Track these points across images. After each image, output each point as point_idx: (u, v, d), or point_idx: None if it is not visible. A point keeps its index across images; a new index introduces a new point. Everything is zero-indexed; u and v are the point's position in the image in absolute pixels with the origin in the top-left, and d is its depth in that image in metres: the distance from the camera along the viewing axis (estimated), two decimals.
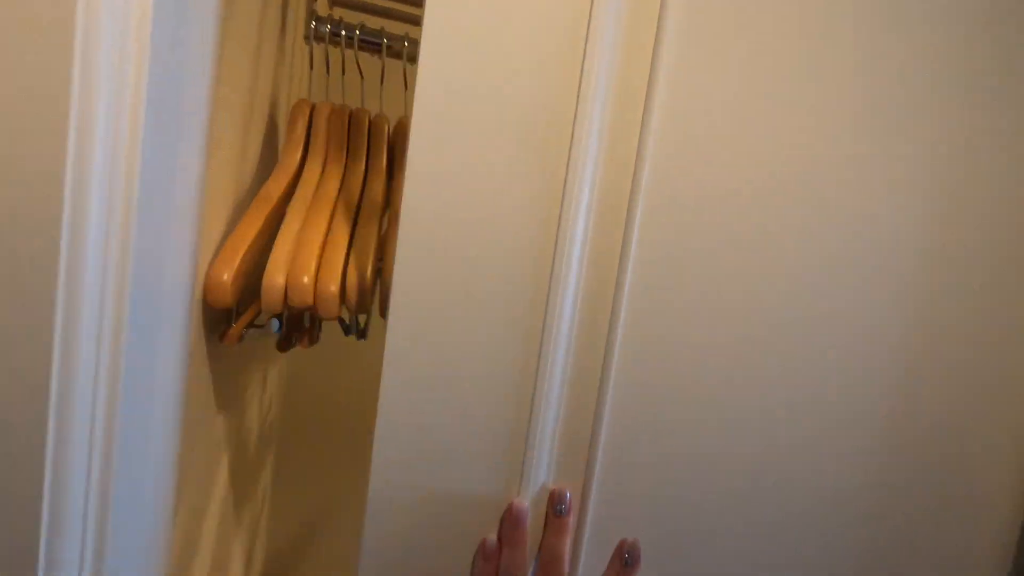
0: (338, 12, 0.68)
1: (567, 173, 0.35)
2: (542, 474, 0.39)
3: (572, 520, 0.38)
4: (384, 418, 0.38)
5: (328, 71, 0.65)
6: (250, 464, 0.78)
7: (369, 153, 0.61)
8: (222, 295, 0.42)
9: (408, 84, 0.68)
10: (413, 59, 0.66)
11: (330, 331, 0.89)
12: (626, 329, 0.37)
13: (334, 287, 0.45)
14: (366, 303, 0.45)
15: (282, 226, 0.48)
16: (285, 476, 1.05)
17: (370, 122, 0.62)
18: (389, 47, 0.64)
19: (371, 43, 0.64)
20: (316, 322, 0.57)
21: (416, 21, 0.73)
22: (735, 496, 0.41)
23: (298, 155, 0.58)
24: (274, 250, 0.45)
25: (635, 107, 0.36)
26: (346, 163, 0.59)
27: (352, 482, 1.08)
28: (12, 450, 0.30)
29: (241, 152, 0.52)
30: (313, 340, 0.54)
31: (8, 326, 0.29)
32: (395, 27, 0.69)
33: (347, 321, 0.54)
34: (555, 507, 0.38)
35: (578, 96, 0.34)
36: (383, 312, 0.46)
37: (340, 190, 0.56)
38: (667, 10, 0.35)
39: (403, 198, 0.35)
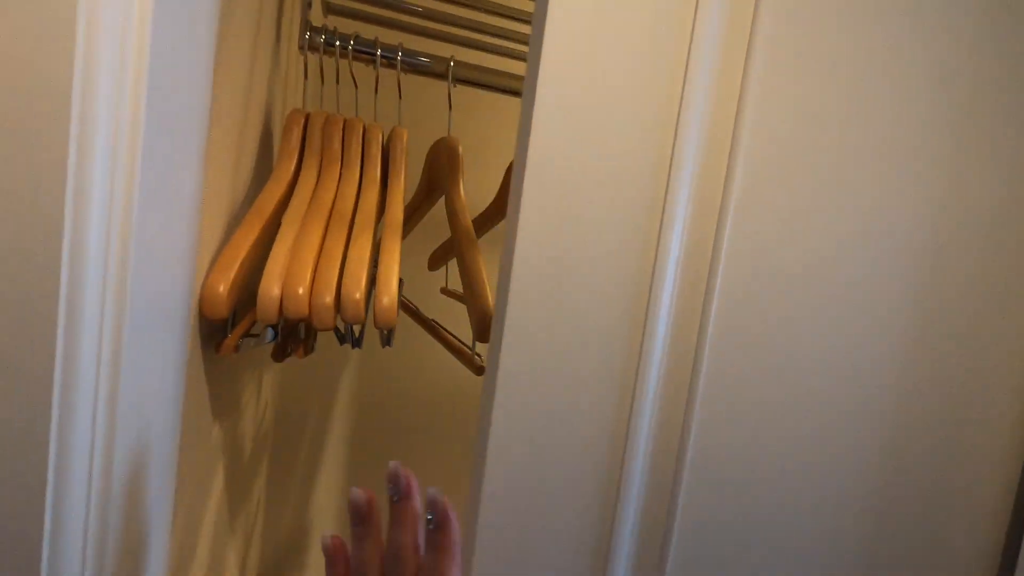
0: (333, 21, 0.69)
1: (659, 235, 0.39)
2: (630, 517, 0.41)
3: (416, 507, 0.31)
4: (495, 441, 0.39)
5: (323, 80, 0.65)
6: (245, 470, 0.78)
7: (363, 163, 0.62)
8: (218, 307, 0.42)
9: (402, 93, 0.68)
10: (407, 69, 0.67)
11: (323, 338, 0.90)
12: (707, 380, 0.40)
13: (329, 298, 0.45)
14: (361, 313, 0.45)
15: (277, 237, 0.48)
16: (279, 481, 1.05)
17: (364, 131, 0.62)
18: (383, 57, 0.65)
19: (365, 53, 0.65)
20: (311, 332, 0.58)
21: (412, 30, 0.74)
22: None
23: (293, 164, 0.58)
24: (269, 261, 0.46)
25: (719, 180, 0.39)
26: (341, 172, 0.60)
27: (344, 487, 1.08)
28: (15, 460, 0.31)
29: (236, 161, 0.53)
30: (308, 350, 0.55)
31: (10, 335, 0.30)
32: (389, 36, 0.69)
33: (342, 330, 0.54)
34: (389, 491, 0.32)
35: (671, 164, 0.38)
36: (377, 321, 0.47)
37: (335, 200, 0.56)
38: (745, 106, 0.38)
39: (516, 244, 0.37)
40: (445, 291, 0.96)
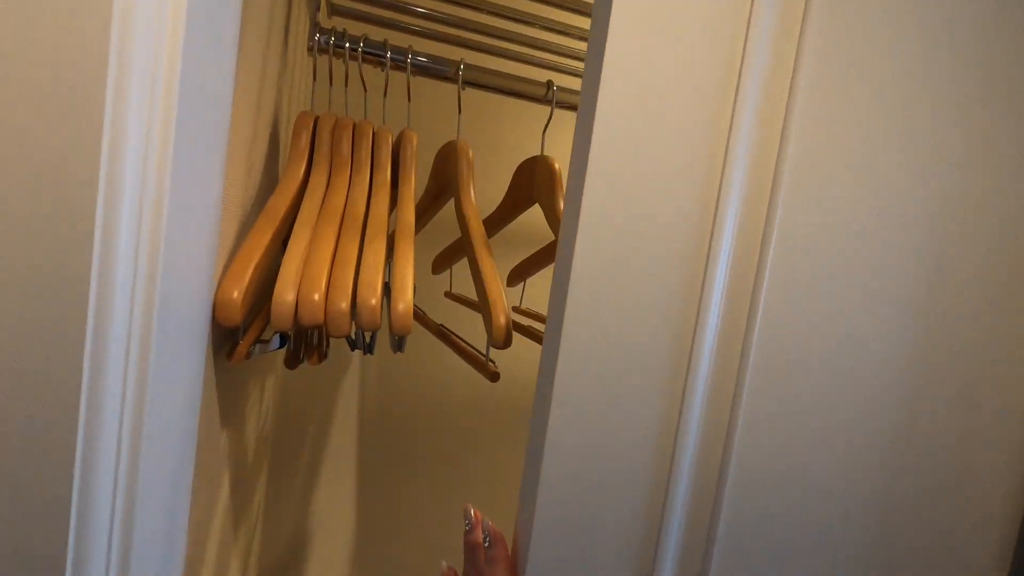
0: (341, 24, 0.68)
1: (704, 276, 0.40)
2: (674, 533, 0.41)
3: (479, 535, 0.43)
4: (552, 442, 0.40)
5: (331, 83, 0.64)
6: (248, 476, 0.77)
7: (374, 166, 0.61)
8: (232, 313, 0.41)
9: (411, 96, 0.68)
10: (416, 71, 0.66)
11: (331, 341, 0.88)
12: (746, 408, 0.41)
13: (344, 304, 0.44)
14: (377, 320, 0.44)
15: (290, 242, 0.48)
16: (279, 486, 1.04)
17: (374, 135, 0.62)
18: (392, 60, 0.64)
19: (375, 55, 0.64)
20: (324, 338, 0.57)
21: (417, 32, 0.73)
22: None
23: (302, 168, 0.58)
24: (283, 267, 0.45)
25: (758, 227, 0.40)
26: (351, 177, 0.59)
27: (344, 490, 1.07)
28: (41, 469, 0.30)
29: (248, 165, 0.52)
30: (322, 357, 0.54)
31: (41, 344, 0.29)
32: (398, 39, 0.69)
33: (354, 336, 0.53)
34: (465, 524, 0.44)
35: (714, 219, 0.39)
36: (393, 327, 0.46)
37: (346, 204, 0.55)
38: (790, 124, 0.39)
39: (575, 253, 0.38)
40: (450, 295, 0.95)
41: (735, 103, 0.39)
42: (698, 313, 0.40)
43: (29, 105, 0.27)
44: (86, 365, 0.29)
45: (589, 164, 0.37)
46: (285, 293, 0.43)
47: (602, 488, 0.40)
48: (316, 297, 0.43)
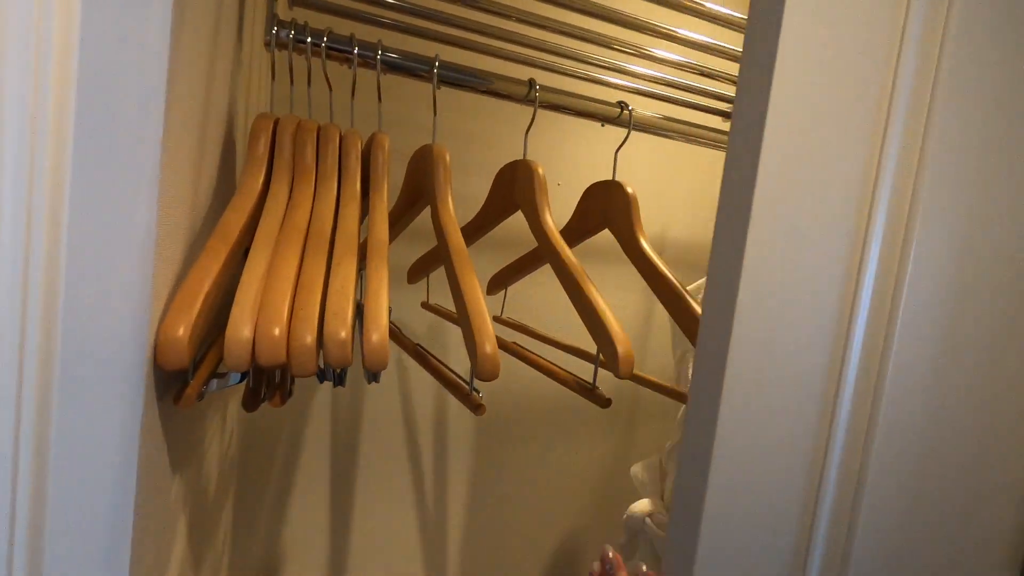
0: (300, 15, 0.62)
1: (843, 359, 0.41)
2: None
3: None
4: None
5: (292, 81, 0.58)
6: (211, 510, 0.71)
7: (341, 175, 0.55)
8: (177, 354, 0.36)
9: (382, 96, 0.62)
10: (387, 69, 0.61)
11: None
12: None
13: (310, 339, 0.39)
14: (348, 355, 0.39)
15: (246, 266, 0.42)
16: (246, 512, 0.98)
17: (341, 139, 0.56)
18: (360, 56, 0.58)
19: (340, 51, 0.58)
20: (288, 376, 0.51)
21: (390, 26, 0.67)
22: None
23: (260, 178, 0.51)
24: (238, 295, 0.39)
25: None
26: (316, 187, 0.53)
27: (316, 515, 1.01)
28: None
29: (195, 177, 0.46)
30: (285, 397, 0.48)
31: None
32: (367, 32, 0.63)
33: (322, 367, 0.48)
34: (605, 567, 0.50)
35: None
36: (365, 362, 0.41)
37: (310, 219, 0.50)
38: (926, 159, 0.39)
39: (739, 287, 0.38)
40: (426, 306, 0.90)
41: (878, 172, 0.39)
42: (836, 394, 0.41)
43: None
44: None
45: (747, 248, 0.38)
46: (241, 328, 0.37)
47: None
48: (277, 332, 0.38)
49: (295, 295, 0.41)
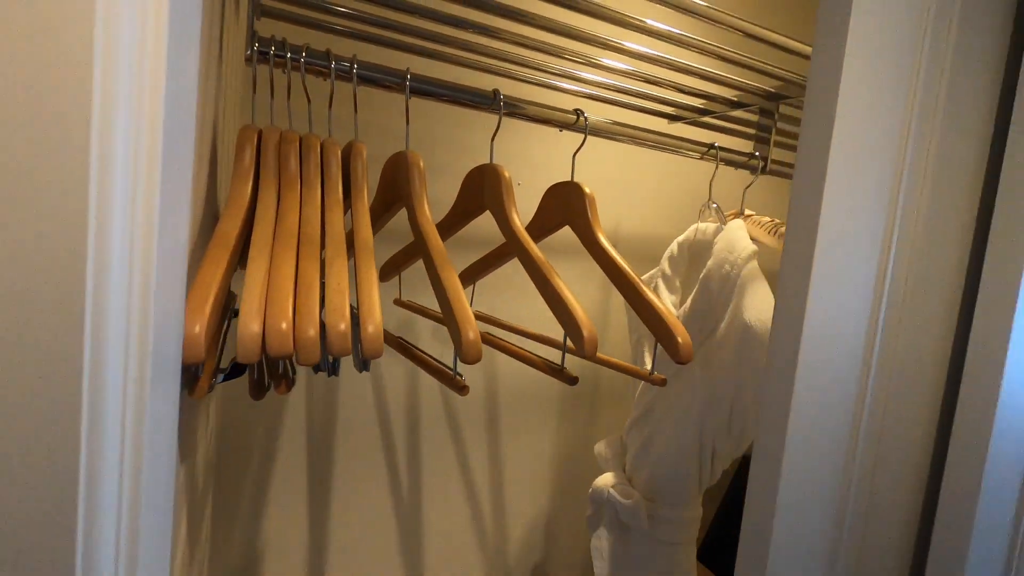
0: (269, 27, 0.65)
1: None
2: None
3: None
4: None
5: (272, 94, 0.62)
6: (198, 505, 0.73)
7: (324, 181, 0.59)
8: (196, 350, 0.40)
9: (357, 106, 0.66)
10: (361, 81, 0.65)
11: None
12: None
13: (313, 331, 0.43)
14: (348, 345, 0.44)
15: (248, 269, 0.46)
16: (226, 510, 1.00)
17: (322, 148, 0.60)
18: (337, 70, 0.63)
19: (318, 66, 0.62)
20: (290, 365, 0.55)
21: (358, 36, 0.71)
22: None
23: (249, 187, 0.55)
24: (245, 295, 0.43)
25: None
26: (302, 194, 0.57)
27: (294, 511, 1.04)
28: (43, 532, 0.28)
29: (196, 187, 0.49)
30: (291, 385, 0.52)
31: (33, 394, 0.27)
32: (336, 42, 0.67)
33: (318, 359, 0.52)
34: None
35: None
36: (364, 352, 0.46)
37: (300, 224, 0.54)
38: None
39: (807, 312, 0.49)
40: (399, 302, 0.94)
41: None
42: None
43: (13, 136, 0.25)
44: (84, 423, 0.27)
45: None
46: (251, 324, 0.42)
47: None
48: (284, 326, 0.42)
49: (296, 293, 0.45)
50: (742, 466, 1.33)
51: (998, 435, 0.52)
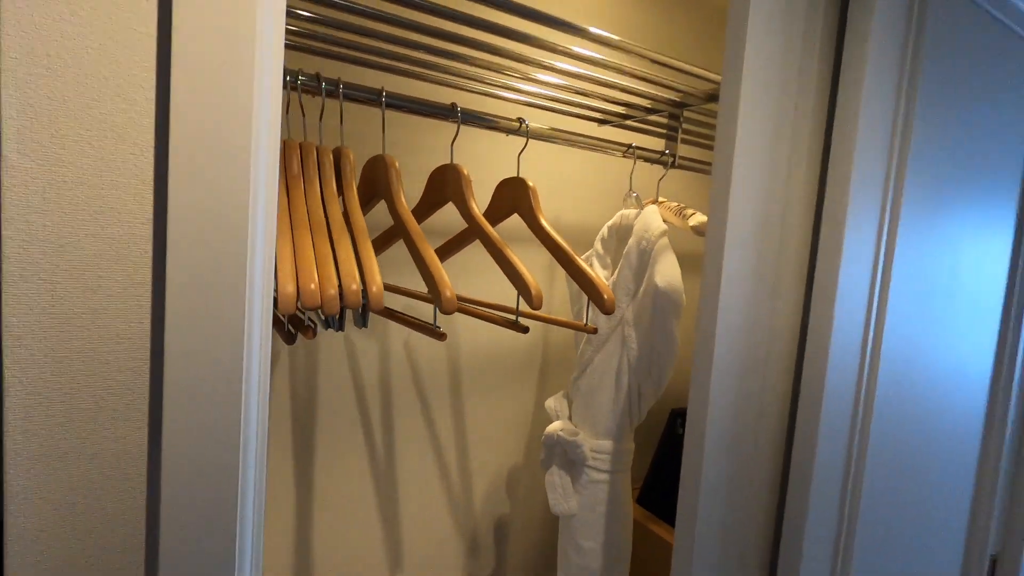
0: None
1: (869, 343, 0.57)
2: None
3: None
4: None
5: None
6: None
7: (321, 180, 0.74)
8: (289, 304, 0.55)
9: (343, 118, 0.81)
10: (347, 99, 0.80)
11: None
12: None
13: (332, 290, 0.59)
14: (359, 299, 0.60)
15: (277, 247, 0.61)
16: None
17: (318, 152, 0.75)
18: (326, 90, 0.78)
19: (311, 86, 0.77)
20: (309, 318, 0.70)
21: (341, 58, 0.86)
22: None
23: None
24: (279, 265, 0.58)
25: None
26: (305, 189, 0.72)
27: (276, 473, 1.18)
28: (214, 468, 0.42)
29: None
30: (315, 333, 0.67)
31: (212, 342, 0.41)
32: (324, 66, 0.81)
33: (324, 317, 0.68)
34: None
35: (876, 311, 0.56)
36: (371, 305, 0.62)
37: (308, 212, 0.69)
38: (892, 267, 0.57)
39: (718, 313, 0.53)
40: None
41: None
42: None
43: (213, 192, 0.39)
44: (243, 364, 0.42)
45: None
46: (287, 285, 0.57)
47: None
48: (312, 287, 0.58)
49: (317, 262, 0.61)
50: (667, 427, 1.55)
51: (830, 383, 0.73)
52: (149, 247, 0.36)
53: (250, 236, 0.40)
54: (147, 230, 0.36)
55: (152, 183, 0.36)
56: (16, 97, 0.30)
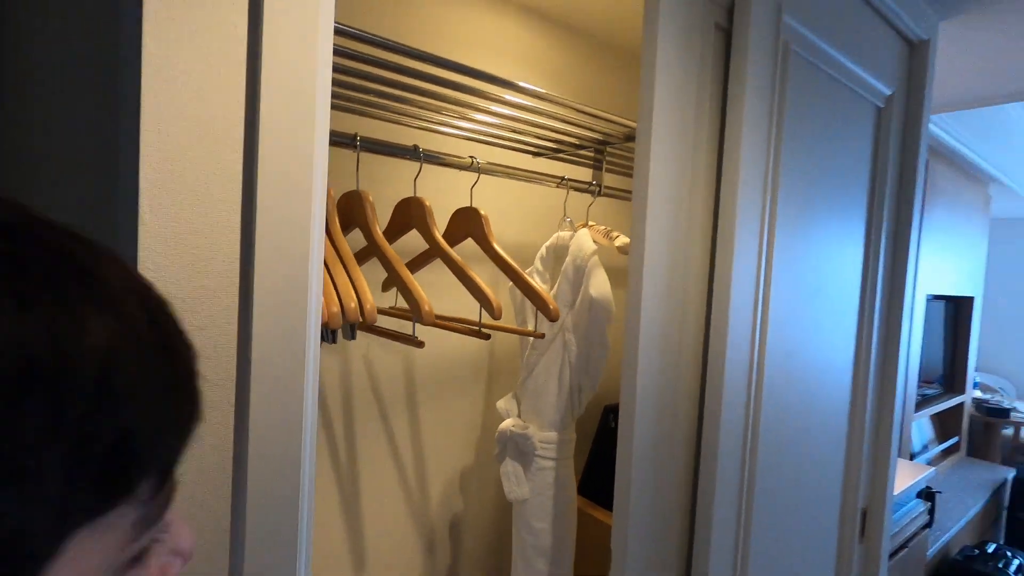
0: None
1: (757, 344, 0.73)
2: None
3: None
4: None
5: None
6: None
7: (328, 222, 0.86)
8: (337, 319, 0.67)
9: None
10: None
11: None
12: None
13: (335, 308, 0.72)
14: (375, 315, 0.73)
15: None
16: None
17: None
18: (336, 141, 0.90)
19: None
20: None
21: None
22: None
23: None
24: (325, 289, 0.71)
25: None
26: None
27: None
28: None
29: None
30: (335, 340, 0.79)
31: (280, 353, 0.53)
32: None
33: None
34: None
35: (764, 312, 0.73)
36: (367, 320, 0.75)
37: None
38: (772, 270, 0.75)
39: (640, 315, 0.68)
40: None
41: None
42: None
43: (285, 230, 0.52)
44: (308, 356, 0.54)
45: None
46: (330, 305, 0.70)
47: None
48: (353, 305, 0.71)
49: (346, 287, 0.74)
50: (601, 422, 1.75)
51: (729, 374, 0.93)
52: (236, 278, 0.49)
53: (311, 266, 0.54)
54: (236, 266, 0.49)
55: (239, 231, 0.49)
56: (150, 177, 0.42)
